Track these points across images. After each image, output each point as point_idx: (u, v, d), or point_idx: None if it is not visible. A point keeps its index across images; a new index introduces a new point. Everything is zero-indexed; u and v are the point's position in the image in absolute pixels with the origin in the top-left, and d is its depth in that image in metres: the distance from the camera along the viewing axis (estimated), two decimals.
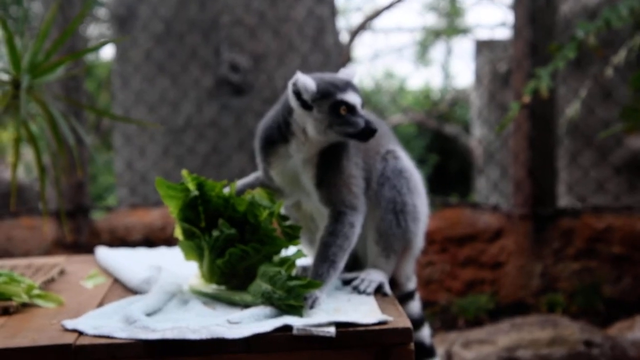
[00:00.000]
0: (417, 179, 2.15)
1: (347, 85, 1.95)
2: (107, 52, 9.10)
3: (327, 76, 2.00)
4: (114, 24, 5.47)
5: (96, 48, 3.73)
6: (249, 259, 1.92)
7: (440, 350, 3.55)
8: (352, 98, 1.93)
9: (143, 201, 4.95)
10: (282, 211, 2.10)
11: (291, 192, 2.12)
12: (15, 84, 2.70)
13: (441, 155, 8.75)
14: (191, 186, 1.97)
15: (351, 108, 1.93)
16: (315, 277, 1.93)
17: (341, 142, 2.00)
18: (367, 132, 1.92)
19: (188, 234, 2.00)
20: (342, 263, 1.99)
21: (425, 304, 3.61)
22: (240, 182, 2.18)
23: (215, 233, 1.94)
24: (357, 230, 2.02)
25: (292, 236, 2.00)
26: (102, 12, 8.04)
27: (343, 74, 2.02)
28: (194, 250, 1.99)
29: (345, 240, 1.98)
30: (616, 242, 4.11)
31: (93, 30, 8.51)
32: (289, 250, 1.99)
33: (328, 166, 2.00)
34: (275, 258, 1.96)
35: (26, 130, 2.73)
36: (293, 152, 2.02)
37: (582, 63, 4.45)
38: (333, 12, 5.47)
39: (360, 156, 2.07)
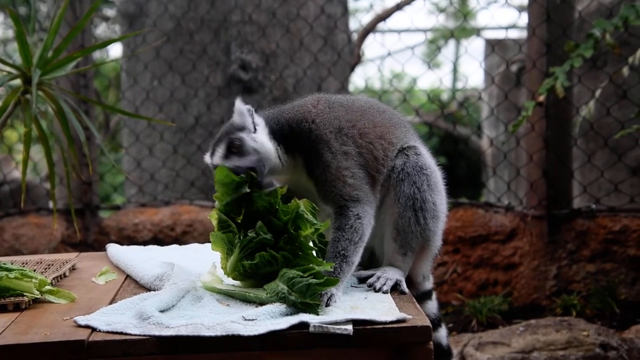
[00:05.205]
0: (437, 176, 2.10)
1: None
2: (116, 51, 9.10)
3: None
4: (123, 22, 5.45)
5: (105, 44, 3.71)
6: (276, 266, 1.88)
7: (453, 352, 3.50)
8: None
9: (152, 200, 4.91)
10: None
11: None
12: (26, 79, 2.68)
13: (451, 157, 8.70)
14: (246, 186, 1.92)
15: None
16: (329, 274, 1.88)
17: (318, 137, 1.97)
18: None
19: (223, 226, 1.95)
20: (355, 257, 1.93)
21: None
22: None
23: (250, 234, 1.90)
24: (366, 221, 1.95)
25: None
26: (112, 12, 8.04)
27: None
28: (224, 243, 1.95)
29: (354, 233, 1.92)
30: (632, 244, 4.05)
31: (104, 31, 8.51)
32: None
33: (314, 164, 1.97)
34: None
35: (37, 127, 2.70)
36: None
37: (597, 62, 4.39)
38: (344, 11, 5.43)
39: (358, 143, 2.00)
